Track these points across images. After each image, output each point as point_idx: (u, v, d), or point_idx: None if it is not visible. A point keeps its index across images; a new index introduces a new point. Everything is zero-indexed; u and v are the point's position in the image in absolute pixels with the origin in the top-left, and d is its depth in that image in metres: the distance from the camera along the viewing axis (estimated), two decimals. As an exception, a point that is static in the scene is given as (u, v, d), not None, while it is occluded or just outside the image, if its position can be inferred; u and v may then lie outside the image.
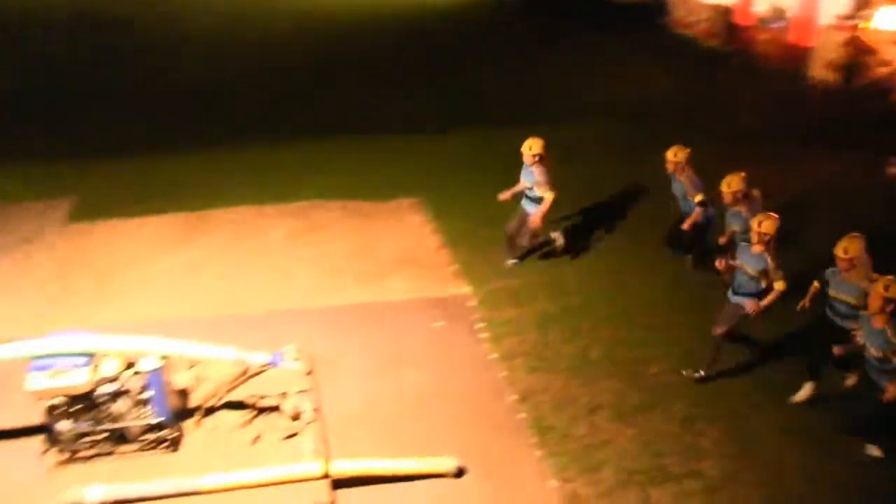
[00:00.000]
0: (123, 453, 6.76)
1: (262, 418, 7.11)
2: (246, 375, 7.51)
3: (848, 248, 6.93)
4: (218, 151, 13.00)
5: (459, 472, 6.65)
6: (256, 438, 6.87)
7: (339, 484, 6.43)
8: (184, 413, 7.12)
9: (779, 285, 7.28)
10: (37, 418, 6.70)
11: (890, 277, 6.42)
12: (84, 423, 6.63)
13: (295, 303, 8.94)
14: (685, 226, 9.02)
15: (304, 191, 11.34)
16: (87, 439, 6.69)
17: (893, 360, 6.33)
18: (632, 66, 18.30)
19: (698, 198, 8.91)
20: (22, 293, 9.27)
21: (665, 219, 9.69)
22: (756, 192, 8.44)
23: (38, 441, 6.83)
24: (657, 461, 6.75)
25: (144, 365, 6.59)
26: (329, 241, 8.98)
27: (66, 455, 6.70)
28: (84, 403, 6.56)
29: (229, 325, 8.43)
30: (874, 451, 6.85)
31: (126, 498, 6.23)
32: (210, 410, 7.21)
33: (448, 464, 6.62)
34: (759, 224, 7.28)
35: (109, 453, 6.74)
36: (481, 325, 8.60)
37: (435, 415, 7.34)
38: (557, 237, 9.73)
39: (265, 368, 7.23)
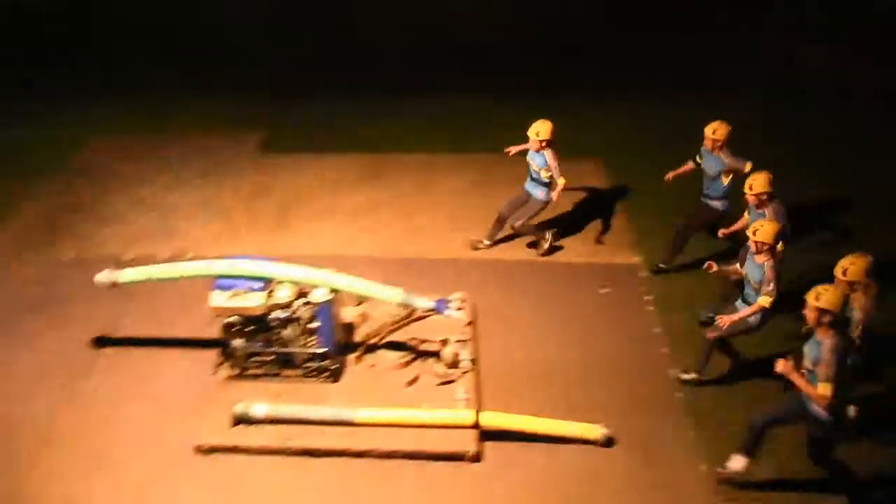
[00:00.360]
0: (287, 377, 7.09)
1: (421, 362, 7.24)
2: (410, 318, 7.66)
3: (848, 269, 6.10)
4: (410, 97, 13.13)
5: (608, 442, 6.53)
6: (413, 381, 7.00)
7: (487, 436, 6.48)
8: (347, 347, 7.37)
9: (762, 300, 6.59)
10: (214, 333, 7.15)
11: (822, 286, 5.57)
12: (255, 343, 6.99)
13: (464, 253, 9.01)
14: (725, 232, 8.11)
15: (488, 143, 11.23)
16: (257, 359, 7.06)
17: (817, 370, 5.49)
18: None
19: (749, 165, 8.01)
20: (210, 216, 9.91)
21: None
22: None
23: (213, 354, 7.31)
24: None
25: (316, 296, 6.84)
26: (505, 195, 8.94)
27: (237, 371, 7.11)
28: (257, 325, 6.91)
29: (398, 267, 8.63)
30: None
31: (286, 417, 6.56)
32: (372, 348, 7.41)
33: (597, 431, 6.51)
34: (755, 232, 6.59)
35: (275, 375, 7.09)
36: (649, 297, 8.33)
37: (591, 380, 7.23)
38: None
39: (429, 314, 7.32)
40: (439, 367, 7.12)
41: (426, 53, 15.02)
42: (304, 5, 17.11)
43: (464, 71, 14.03)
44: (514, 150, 8.93)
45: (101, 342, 7.73)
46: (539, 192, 8.70)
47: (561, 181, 8.45)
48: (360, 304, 7.71)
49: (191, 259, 8.30)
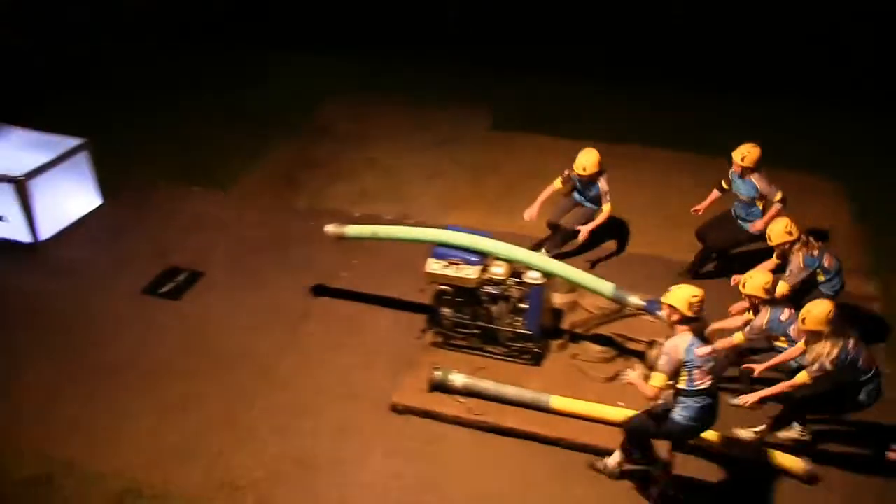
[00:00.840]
0: (489, 353, 7.12)
1: (623, 360, 7.03)
2: (619, 314, 7.46)
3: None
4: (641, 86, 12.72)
5: (811, 479, 6.06)
6: (613, 377, 6.80)
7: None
8: (552, 332, 7.29)
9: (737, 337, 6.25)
10: (423, 299, 7.31)
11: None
12: (463, 315, 7.07)
13: (684, 255, 8.61)
14: (758, 226, 7.52)
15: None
16: (462, 330, 7.14)
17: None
18: None
19: (779, 195, 7.36)
20: (436, 184, 10.12)
21: None
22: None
23: (420, 319, 7.51)
24: None
25: (529, 277, 6.80)
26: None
27: (441, 338, 7.23)
28: (467, 297, 6.98)
29: (615, 260, 8.48)
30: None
31: (482, 391, 6.60)
32: (577, 337, 7.29)
33: (801, 465, 6.06)
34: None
35: (477, 349, 7.14)
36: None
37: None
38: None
39: (639, 312, 7.09)
40: (642, 368, 6.87)
41: (685, 42, 14.21)
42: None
43: (719, 68, 13.31)
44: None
45: (319, 291, 8.15)
46: (587, 206, 8.26)
47: (606, 208, 8.06)
48: (571, 291, 7.59)
49: (413, 224, 8.57)
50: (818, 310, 5.69)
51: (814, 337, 5.73)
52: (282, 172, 10.50)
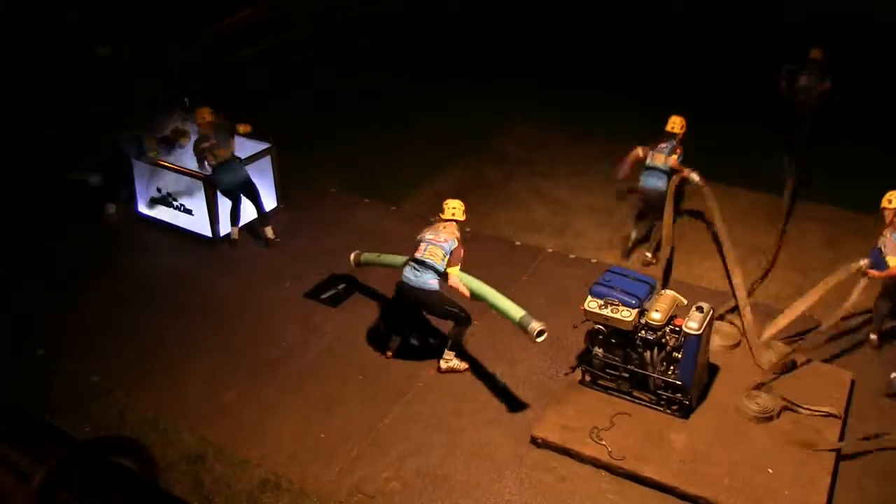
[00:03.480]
0: (636, 399, 6.91)
1: (790, 423, 6.63)
2: (780, 372, 7.08)
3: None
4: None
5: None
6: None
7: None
8: (704, 387, 6.99)
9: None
10: (579, 335, 7.21)
11: None
12: (615, 356, 6.90)
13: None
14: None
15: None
16: (612, 372, 6.97)
17: None
18: None
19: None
20: (602, 222, 9.97)
21: None
22: None
23: (570, 355, 7.41)
24: None
25: (688, 326, 6.55)
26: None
27: (590, 377, 7.08)
28: (621, 339, 6.81)
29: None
30: None
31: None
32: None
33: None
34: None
35: (626, 393, 6.94)
36: None
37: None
38: None
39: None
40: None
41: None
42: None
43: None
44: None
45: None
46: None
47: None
48: (736, 345, 7.28)
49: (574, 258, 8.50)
50: None
51: None
52: (451, 193, 10.64)
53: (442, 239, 7.18)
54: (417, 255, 7.21)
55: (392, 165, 11.46)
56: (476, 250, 8.29)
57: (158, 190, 9.93)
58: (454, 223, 7.40)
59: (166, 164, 9.69)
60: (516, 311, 6.82)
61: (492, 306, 7.08)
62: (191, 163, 9.47)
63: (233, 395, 7.28)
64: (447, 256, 7.12)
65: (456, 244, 7.14)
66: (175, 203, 9.84)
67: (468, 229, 9.70)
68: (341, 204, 10.42)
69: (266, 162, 10.02)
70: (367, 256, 8.27)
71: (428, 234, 7.30)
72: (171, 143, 9.90)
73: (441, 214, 7.50)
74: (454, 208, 7.49)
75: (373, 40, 16.10)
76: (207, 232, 9.59)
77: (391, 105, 13.57)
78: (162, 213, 10.04)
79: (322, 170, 11.26)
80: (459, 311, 7.20)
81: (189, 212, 9.74)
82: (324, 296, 8.60)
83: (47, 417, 1.72)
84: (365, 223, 9.97)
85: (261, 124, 9.71)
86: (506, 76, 14.42)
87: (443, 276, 7.15)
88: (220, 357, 7.78)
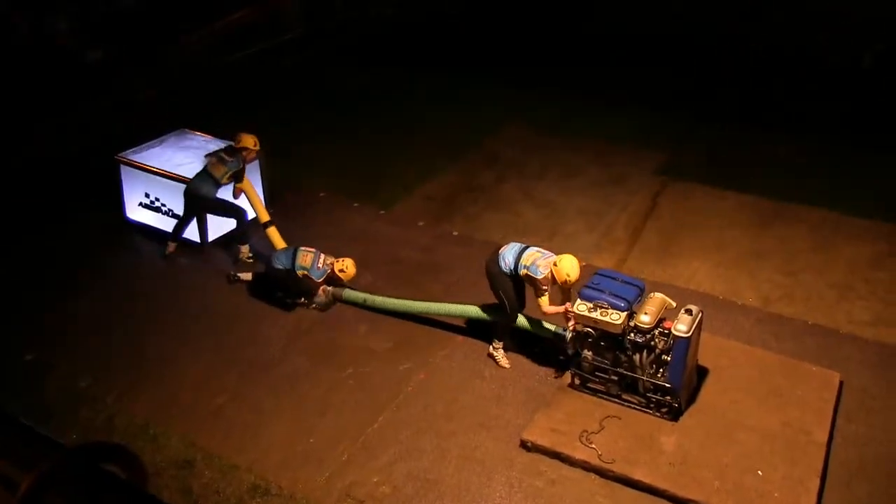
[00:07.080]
0: (626, 402, 6.92)
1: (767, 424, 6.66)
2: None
3: None
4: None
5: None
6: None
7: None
8: (693, 390, 7.00)
9: None
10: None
11: None
12: (604, 359, 6.91)
13: (849, 327, 8.06)
14: None
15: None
16: (601, 375, 6.97)
17: None
18: None
19: None
20: (592, 225, 9.97)
21: None
22: None
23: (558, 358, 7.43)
24: None
25: (677, 328, 6.56)
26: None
27: (579, 380, 7.09)
28: (610, 342, 6.82)
29: (772, 323, 8.05)
30: None
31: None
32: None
33: None
34: None
35: (615, 396, 6.95)
36: None
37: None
38: None
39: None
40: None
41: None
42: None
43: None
44: None
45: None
46: None
47: None
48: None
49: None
50: None
51: None
52: (443, 196, 10.68)
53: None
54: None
55: (382, 167, 11.45)
56: (464, 254, 8.29)
57: (147, 195, 9.88)
58: None
59: (154, 169, 9.65)
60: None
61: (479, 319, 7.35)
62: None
63: (223, 400, 7.26)
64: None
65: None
66: (164, 208, 9.80)
67: (455, 232, 9.79)
68: (331, 208, 10.41)
69: (254, 165, 9.97)
70: (353, 295, 8.47)
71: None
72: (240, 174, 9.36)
73: None
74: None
75: (365, 41, 16.14)
76: (196, 238, 9.56)
77: (382, 106, 13.57)
78: (151, 219, 9.98)
79: (312, 172, 11.25)
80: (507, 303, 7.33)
81: (178, 217, 9.69)
82: (313, 300, 8.57)
83: (34, 423, 1.72)
84: (355, 228, 9.95)
85: (250, 129, 9.64)
86: (500, 78, 14.44)
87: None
88: (210, 362, 7.75)
